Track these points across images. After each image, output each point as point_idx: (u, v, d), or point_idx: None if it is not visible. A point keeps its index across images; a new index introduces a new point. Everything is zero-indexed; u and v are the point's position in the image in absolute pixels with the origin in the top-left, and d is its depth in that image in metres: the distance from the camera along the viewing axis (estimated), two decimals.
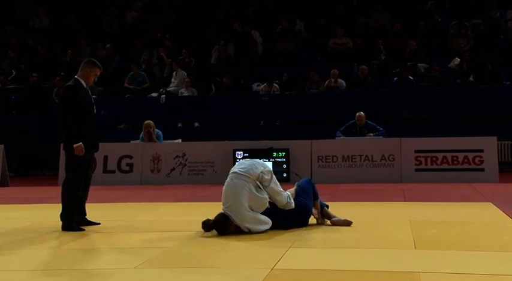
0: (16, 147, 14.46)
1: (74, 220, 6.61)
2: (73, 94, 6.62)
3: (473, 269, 4.47)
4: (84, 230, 6.53)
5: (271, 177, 6.21)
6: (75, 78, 6.78)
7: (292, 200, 6.27)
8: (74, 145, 6.53)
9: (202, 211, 6.24)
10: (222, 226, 5.97)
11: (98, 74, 6.92)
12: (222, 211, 6.04)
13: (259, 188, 6.12)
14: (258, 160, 6.58)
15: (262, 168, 6.21)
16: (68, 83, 6.80)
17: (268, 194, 6.18)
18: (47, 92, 16.15)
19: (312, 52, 16.85)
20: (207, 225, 6.00)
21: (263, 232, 6.00)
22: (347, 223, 6.45)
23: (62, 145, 6.98)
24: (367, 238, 5.84)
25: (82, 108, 6.62)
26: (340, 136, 12.23)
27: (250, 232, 5.98)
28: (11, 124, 14.94)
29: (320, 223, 6.51)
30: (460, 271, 4.41)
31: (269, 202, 6.19)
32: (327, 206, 6.65)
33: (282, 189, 6.27)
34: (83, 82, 6.74)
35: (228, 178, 6.17)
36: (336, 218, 6.52)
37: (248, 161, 6.36)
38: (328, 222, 6.53)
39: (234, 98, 15.03)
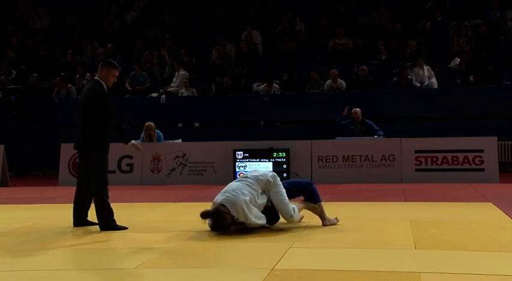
0: (16, 147, 14.48)
1: (113, 218, 6.61)
2: (104, 97, 6.62)
3: (473, 269, 4.47)
4: (127, 228, 6.57)
5: (278, 187, 6.22)
6: (97, 80, 6.72)
7: (298, 214, 6.27)
8: (132, 141, 6.87)
9: (202, 211, 6.23)
10: (219, 218, 5.91)
11: (117, 74, 6.90)
12: (219, 201, 6.01)
13: (264, 193, 6.16)
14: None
15: (271, 174, 6.29)
16: (94, 86, 6.69)
17: (272, 201, 6.20)
18: (47, 92, 16.15)
19: (313, 52, 16.85)
20: (205, 214, 5.97)
21: (259, 226, 6.02)
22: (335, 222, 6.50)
23: (75, 146, 6.85)
24: (367, 238, 5.84)
25: (107, 111, 6.65)
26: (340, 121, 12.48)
27: (246, 222, 5.98)
28: (11, 124, 14.94)
29: (328, 224, 6.47)
30: (460, 271, 4.41)
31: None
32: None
33: (288, 201, 6.24)
34: (103, 84, 6.71)
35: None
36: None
37: (261, 170, 6.52)
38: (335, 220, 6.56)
39: (234, 98, 15.02)
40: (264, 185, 6.17)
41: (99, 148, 6.65)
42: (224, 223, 5.93)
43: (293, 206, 6.26)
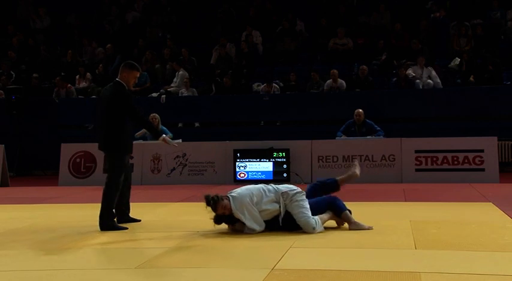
0: (16, 147, 14.48)
1: (114, 219, 6.65)
2: (127, 98, 6.63)
3: (473, 269, 4.47)
4: (127, 228, 6.57)
5: (299, 201, 6.14)
6: (119, 81, 6.69)
7: (321, 226, 6.15)
8: (163, 136, 6.81)
9: (202, 211, 6.23)
10: (215, 203, 5.97)
11: (138, 75, 6.90)
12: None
13: (277, 202, 6.13)
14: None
15: (294, 188, 6.23)
16: (116, 87, 6.67)
17: (292, 214, 6.13)
18: (48, 92, 16.15)
19: (313, 52, 16.85)
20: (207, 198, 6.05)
21: (252, 233, 5.99)
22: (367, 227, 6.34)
23: (99, 147, 6.85)
24: (367, 238, 5.84)
25: (132, 111, 6.67)
26: (341, 136, 12.22)
27: (244, 227, 6.00)
28: (11, 124, 14.95)
29: (353, 228, 6.32)
30: (460, 271, 4.41)
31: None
32: (350, 211, 6.49)
33: (309, 214, 6.12)
34: (125, 85, 6.69)
35: None
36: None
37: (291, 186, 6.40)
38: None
39: (234, 98, 15.03)
40: (279, 195, 6.14)
41: (120, 149, 6.67)
42: (217, 208, 5.97)
43: (316, 218, 6.15)
